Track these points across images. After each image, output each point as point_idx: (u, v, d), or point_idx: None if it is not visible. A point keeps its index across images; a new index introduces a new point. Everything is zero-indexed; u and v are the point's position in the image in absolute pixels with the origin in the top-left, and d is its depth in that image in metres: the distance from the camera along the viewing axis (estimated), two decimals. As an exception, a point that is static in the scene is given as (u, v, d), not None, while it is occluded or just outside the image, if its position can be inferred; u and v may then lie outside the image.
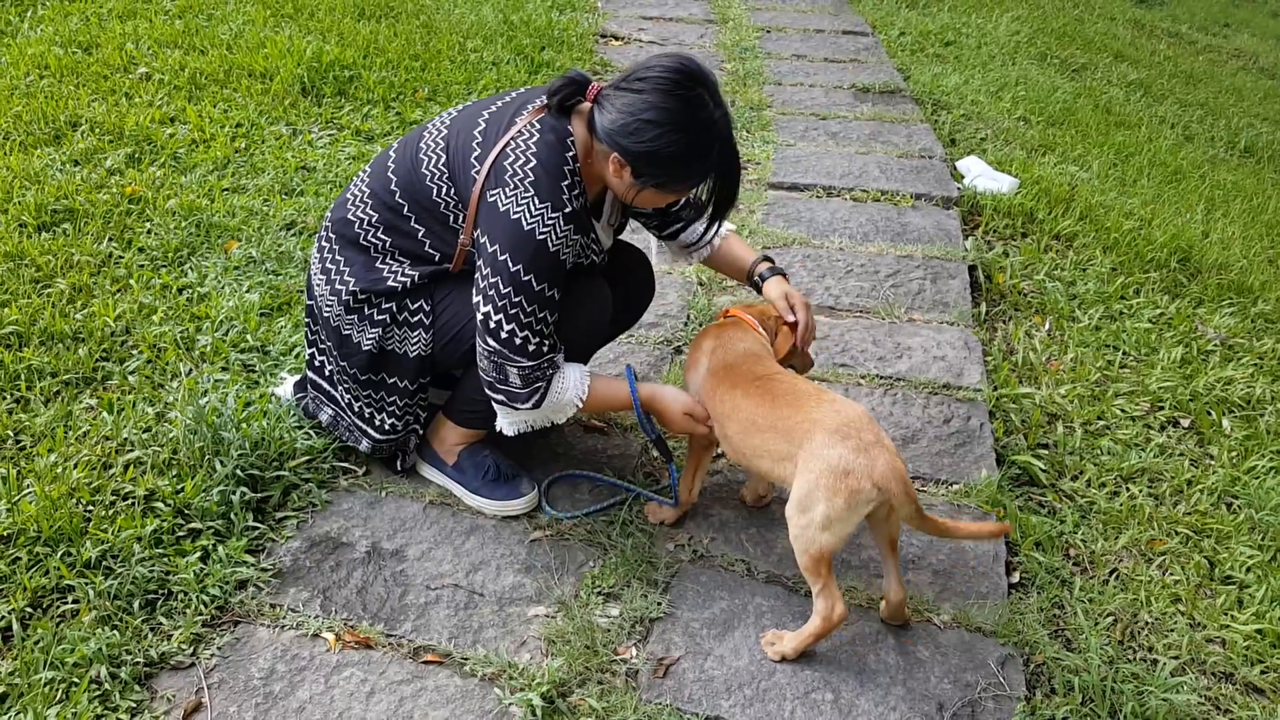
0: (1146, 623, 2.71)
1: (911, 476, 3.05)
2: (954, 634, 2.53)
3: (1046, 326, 4.05)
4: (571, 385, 2.55)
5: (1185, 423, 3.57)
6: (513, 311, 2.40)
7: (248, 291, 3.42)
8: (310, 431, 2.88)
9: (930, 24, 7.79)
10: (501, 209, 2.39)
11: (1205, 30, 11.83)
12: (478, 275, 2.45)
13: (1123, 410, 3.55)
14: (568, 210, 2.41)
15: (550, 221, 2.38)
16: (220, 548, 2.53)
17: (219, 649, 2.34)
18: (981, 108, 6.22)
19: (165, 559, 2.48)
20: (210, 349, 3.16)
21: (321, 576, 2.55)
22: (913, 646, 2.48)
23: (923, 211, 4.67)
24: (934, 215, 4.64)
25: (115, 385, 3.00)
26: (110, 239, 3.60)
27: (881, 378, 3.48)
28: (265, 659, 2.32)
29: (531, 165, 2.40)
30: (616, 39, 6.62)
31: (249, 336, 3.21)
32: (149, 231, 3.68)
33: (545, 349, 2.46)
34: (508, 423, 2.63)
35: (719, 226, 2.63)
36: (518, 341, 2.42)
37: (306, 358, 2.82)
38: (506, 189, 2.39)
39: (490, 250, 2.40)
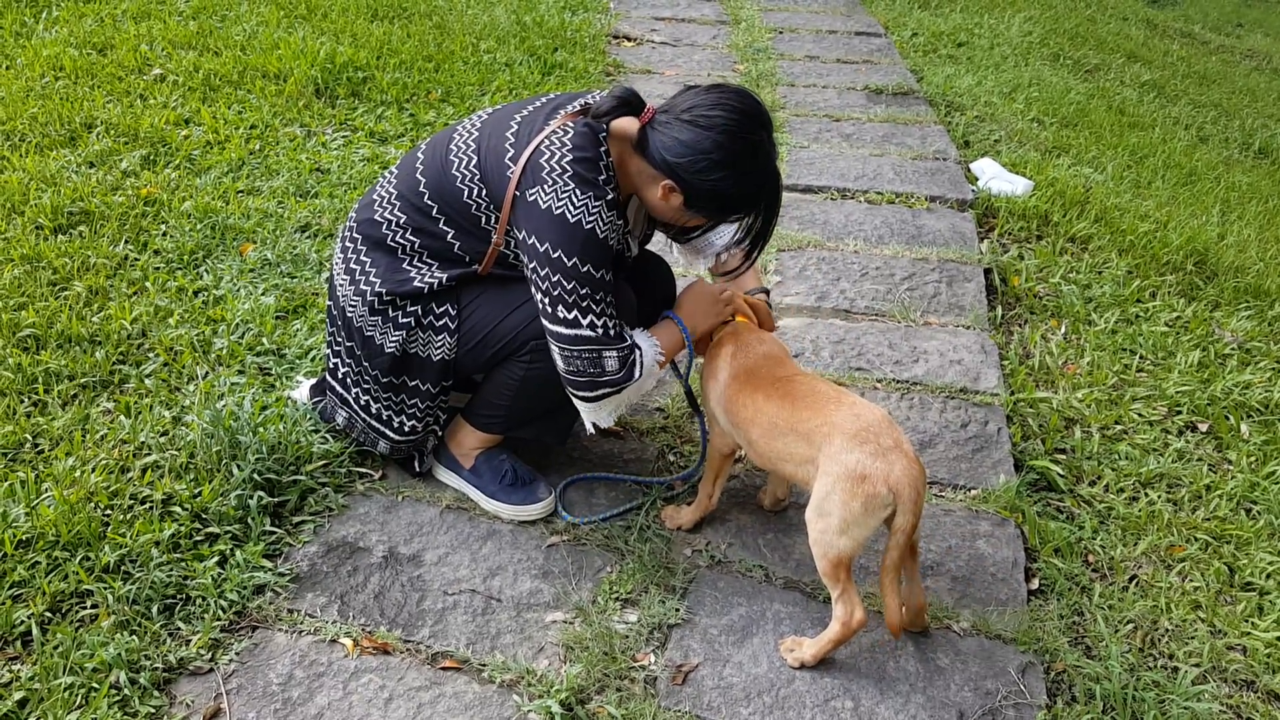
0: (1167, 630, 2.69)
1: (930, 482, 3.04)
2: (973, 641, 2.52)
3: (1063, 330, 4.03)
4: (647, 346, 2.56)
5: (1203, 427, 3.55)
6: (585, 303, 2.40)
7: (263, 294, 3.42)
8: (327, 435, 2.87)
9: (943, 25, 7.77)
10: (543, 206, 2.39)
11: (1218, 30, 11.78)
12: (534, 280, 2.43)
13: (1140, 415, 3.53)
14: (609, 198, 2.42)
15: (595, 209, 2.39)
16: (238, 552, 2.53)
17: (237, 654, 2.33)
18: (995, 109, 6.20)
19: (183, 564, 2.48)
20: (226, 352, 3.16)
21: (339, 581, 2.55)
22: (933, 653, 2.47)
23: (937, 214, 4.65)
24: (949, 218, 4.62)
25: (132, 389, 3.00)
26: (126, 241, 3.61)
27: (898, 382, 3.47)
28: (283, 665, 2.32)
29: (568, 160, 2.40)
30: (629, 40, 6.62)
31: (264, 340, 3.21)
32: (164, 234, 3.68)
33: (618, 326, 2.47)
34: (605, 414, 2.62)
35: (754, 258, 2.66)
36: (600, 329, 2.43)
37: (325, 358, 2.82)
38: (545, 185, 2.39)
39: (542, 250, 2.39)
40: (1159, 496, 3.15)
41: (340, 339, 2.70)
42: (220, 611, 2.40)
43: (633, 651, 2.42)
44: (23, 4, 5.53)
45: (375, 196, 2.65)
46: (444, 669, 2.35)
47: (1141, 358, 3.87)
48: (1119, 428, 3.47)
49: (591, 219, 2.38)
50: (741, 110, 2.38)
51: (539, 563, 2.65)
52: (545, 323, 2.45)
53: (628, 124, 2.49)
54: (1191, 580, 2.87)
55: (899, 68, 6.56)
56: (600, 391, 2.50)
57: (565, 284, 2.39)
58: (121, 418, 2.85)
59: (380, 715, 2.23)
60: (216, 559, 2.50)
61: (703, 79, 6.05)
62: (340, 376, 2.75)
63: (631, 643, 2.44)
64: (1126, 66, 8.34)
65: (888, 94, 6.07)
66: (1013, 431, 3.29)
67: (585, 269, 2.38)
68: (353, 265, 2.63)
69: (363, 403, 2.72)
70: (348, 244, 2.67)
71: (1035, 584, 2.77)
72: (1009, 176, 5.12)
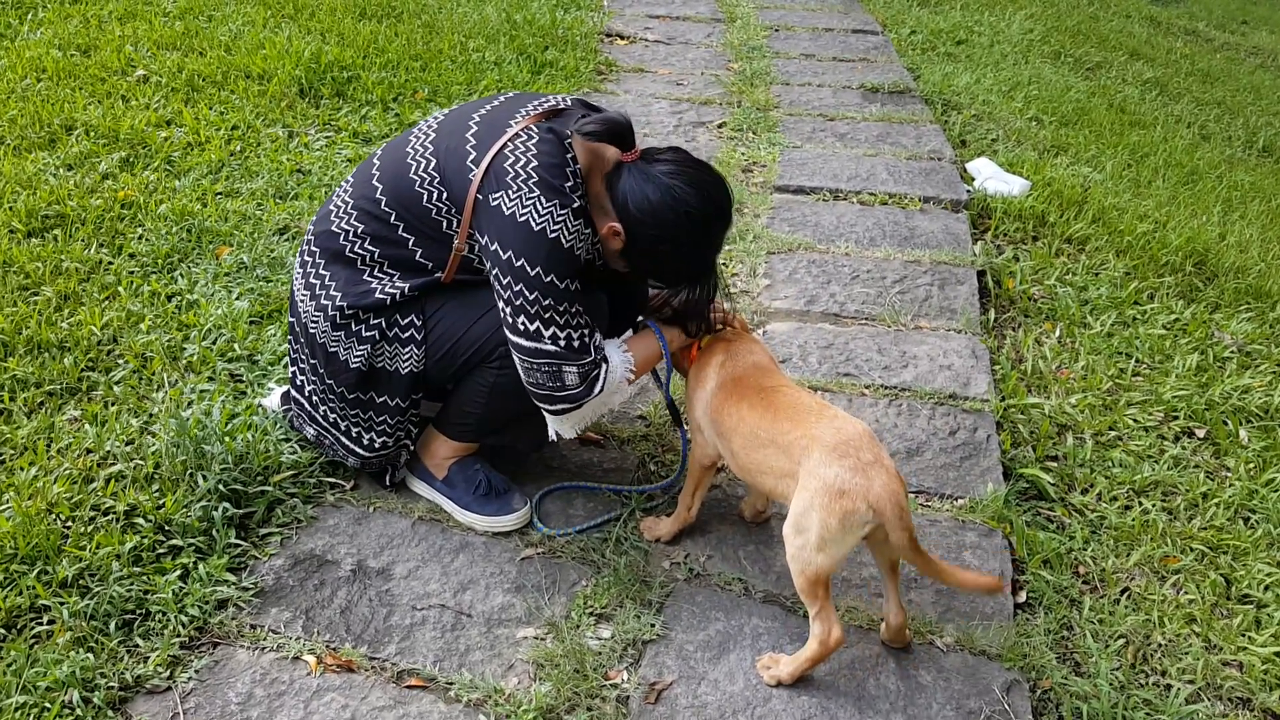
0: (1159, 645, 2.62)
1: (915, 491, 2.97)
2: (957, 657, 2.44)
3: (1057, 333, 3.95)
4: (618, 362, 2.51)
5: (1200, 433, 3.46)
6: (548, 315, 2.34)
7: (237, 298, 3.35)
8: (297, 445, 2.81)
9: (942, 22, 7.68)
10: (507, 212, 2.33)
11: (1222, 27, 11.68)
12: (497, 288, 2.38)
13: (1135, 420, 3.45)
14: (575, 205, 2.37)
15: (560, 217, 2.33)
16: (201, 566, 2.46)
17: (196, 672, 2.27)
18: (993, 108, 6.11)
19: (144, 577, 2.41)
20: (197, 358, 3.10)
21: (304, 596, 2.48)
22: (914, 670, 2.40)
23: (931, 215, 4.58)
24: (942, 219, 4.54)
25: (100, 396, 2.93)
26: (101, 245, 3.54)
27: (886, 388, 3.39)
28: (243, 683, 2.25)
29: (534, 165, 2.34)
30: (622, 38, 6.54)
31: (236, 345, 3.14)
32: (141, 237, 3.61)
33: (588, 338, 2.42)
34: (568, 426, 2.58)
35: (691, 331, 2.64)
36: (562, 343, 2.37)
37: (289, 376, 2.75)
38: (510, 191, 2.33)
39: (505, 258, 2.34)
40: (1153, 505, 3.08)
41: (304, 355, 2.63)
42: (180, 627, 2.34)
43: (605, 669, 2.35)
44: (8, 5, 5.47)
45: (332, 206, 2.58)
46: (409, 688, 2.28)
47: (1138, 361, 3.79)
48: (1113, 434, 3.40)
49: (557, 227, 2.31)
50: (713, 201, 2.42)
51: (512, 576, 2.58)
52: (507, 332, 2.38)
53: (604, 149, 2.44)
54: (1186, 593, 2.79)
55: (896, 66, 6.48)
56: (558, 405, 2.44)
57: (528, 294, 2.32)
58: (87, 426, 2.78)
59: (342, 736, 2.16)
60: (179, 573, 2.44)
61: (696, 78, 5.98)
62: (307, 394, 2.67)
63: (604, 660, 2.37)
64: (1129, 64, 8.25)
65: (883, 93, 5.99)
66: (1003, 439, 3.21)
67: (549, 279, 2.31)
68: (312, 280, 2.56)
69: (330, 420, 2.65)
70: (306, 257, 2.59)
71: (1023, 597, 2.70)
72: (1005, 176, 5.04)
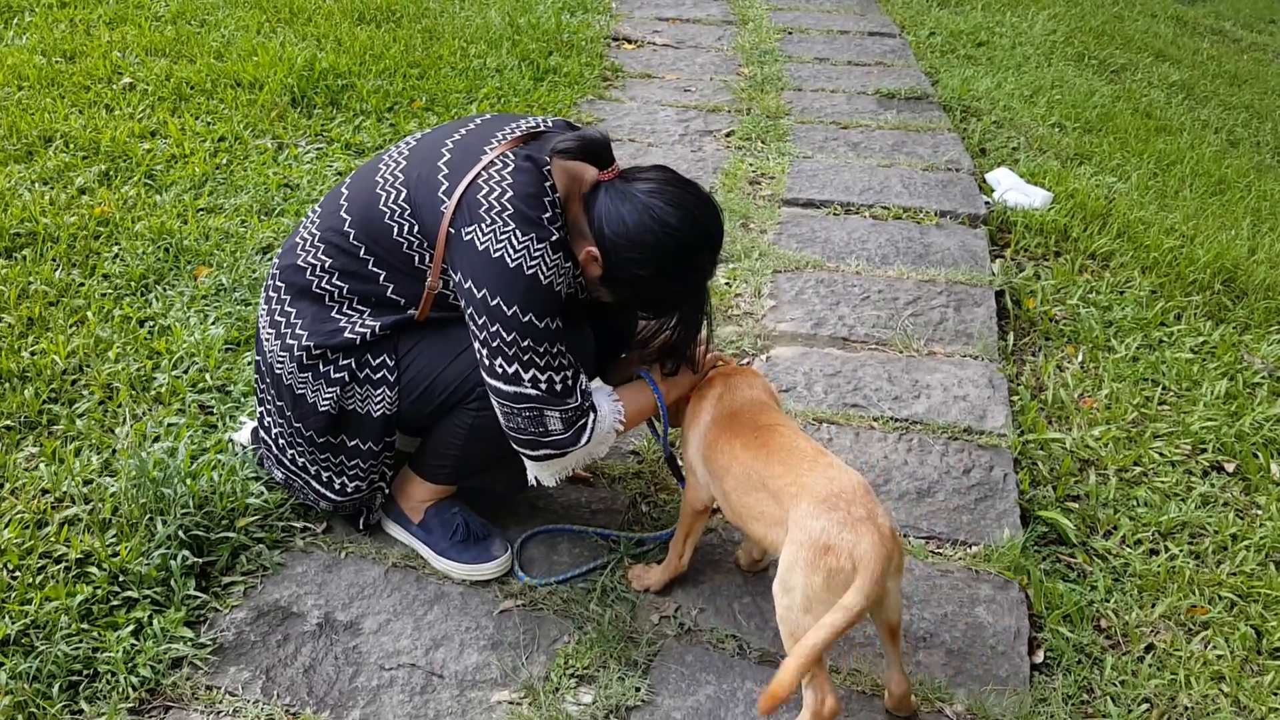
0: (1186, 708, 2.42)
1: (926, 536, 2.78)
2: (968, 727, 2.26)
3: (1080, 358, 3.75)
4: (607, 411, 2.35)
5: (1230, 468, 3.26)
6: (527, 357, 2.17)
7: (213, 324, 3.19)
8: (266, 485, 2.64)
9: (962, 23, 7.45)
10: (480, 247, 2.15)
11: (1250, 27, 11.37)
12: (473, 328, 2.21)
13: (1161, 454, 3.25)
14: (554, 239, 2.19)
15: (538, 253, 2.15)
16: (156, 620, 2.30)
17: (145, 740, 2.11)
18: (1014, 114, 5.90)
19: (95, 634, 2.25)
20: (166, 389, 2.93)
21: (267, 653, 2.32)
22: (920, 743, 2.21)
23: (947, 230, 4.37)
24: (959, 234, 4.34)
25: (61, 431, 2.78)
26: (74, 265, 3.39)
27: (897, 421, 3.20)
28: (195, 753, 2.09)
29: (508, 196, 2.17)
30: (630, 42, 6.35)
31: (208, 375, 2.98)
32: (116, 256, 3.46)
33: (572, 381, 2.24)
34: (548, 474, 2.41)
35: (672, 363, 2.46)
36: (544, 386, 2.19)
37: (257, 415, 2.58)
38: (483, 224, 2.16)
39: (479, 296, 2.16)
40: (1180, 550, 2.88)
41: (270, 396, 2.46)
42: (130, 689, 2.18)
43: (585, 739, 2.17)
44: (-3, 10, 5.33)
45: (298, 239, 2.41)
46: (373, 758, 2.12)
47: (1164, 389, 3.59)
48: (1138, 469, 3.20)
49: (535, 263, 2.13)
50: (698, 223, 2.22)
51: (489, 632, 2.41)
52: (484, 374, 2.21)
53: (583, 169, 2.25)
54: (1214, 647, 2.60)
55: (913, 70, 6.27)
56: (543, 452, 2.27)
57: (505, 335, 2.14)
58: (42, 465, 2.63)
59: (296, 815, 2.00)
60: (132, 628, 2.27)
61: (705, 84, 5.79)
62: (274, 436, 2.50)
63: (584, 728, 2.19)
64: (1154, 66, 8.00)
65: (900, 99, 5.78)
66: (1021, 477, 3.02)
67: (527, 319, 2.13)
68: (277, 317, 2.39)
69: (299, 464, 2.48)
70: (271, 293, 2.42)
71: (1040, 656, 2.51)
72: (1026, 188, 4.83)
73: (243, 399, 2.94)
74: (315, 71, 4.77)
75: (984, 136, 5.50)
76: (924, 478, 2.97)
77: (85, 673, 2.20)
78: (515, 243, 2.13)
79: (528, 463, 2.35)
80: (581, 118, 5.04)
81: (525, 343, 2.14)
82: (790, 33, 6.88)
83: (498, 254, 2.13)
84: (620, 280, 2.25)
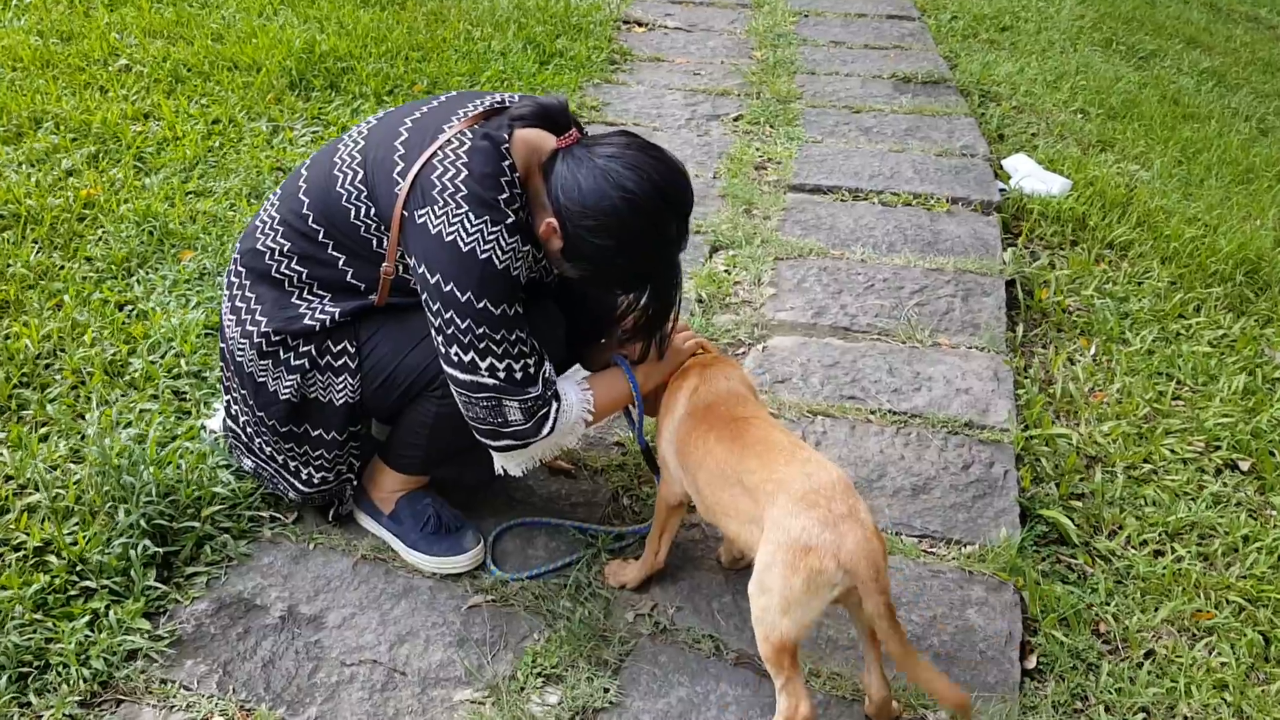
0: (1185, 718, 2.30)
1: (919, 535, 2.67)
2: (951, 736, 2.15)
3: (1092, 350, 3.61)
4: (575, 400, 2.25)
5: (1245, 466, 3.13)
6: (483, 345, 2.08)
7: (194, 308, 3.12)
8: (235, 474, 2.57)
9: (985, 7, 7.28)
10: (433, 231, 2.06)
11: (1289, 13, 11.07)
12: (429, 315, 2.12)
13: (1173, 451, 3.12)
14: (510, 221, 2.08)
15: (492, 236, 2.05)
16: (113, 611, 2.23)
17: (94, 735, 2.04)
18: (1035, 99, 5.74)
19: (49, 624, 2.19)
20: (141, 374, 2.87)
21: (226, 647, 2.24)
22: (900, 752, 2.11)
23: (959, 217, 4.24)
24: (971, 222, 4.20)
25: (31, 416, 2.72)
26: (56, 247, 3.33)
27: (895, 414, 3.08)
28: (143, 750, 2.02)
29: (462, 178, 2.07)
30: (640, 25, 6.24)
31: (184, 361, 2.91)
32: (100, 239, 3.40)
33: (533, 369, 2.15)
34: (514, 464, 2.32)
35: (650, 348, 2.33)
36: (502, 375, 2.10)
37: (224, 404, 2.51)
38: (436, 206, 2.06)
39: (433, 281, 2.07)
40: (1188, 551, 2.76)
41: (234, 384, 2.38)
42: (82, 682, 2.11)
43: (548, 741, 2.09)
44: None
45: (258, 223, 2.33)
46: (327, 758, 2.04)
47: (1179, 383, 3.45)
48: (1147, 467, 3.07)
49: (488, 247, 2.04)
50: (658, 186, 2.07)
51: (456, 628, 2.32)
52: (442, 363, 2.12)
53: (543, 138, 2.15)
54: (1219, 654, 2.47)
55: (931, 54, 6.12)
56: (504, 442, 2.18)
57: (459, 322, 2.05)
58: (4, 451, 2.56)
59: (243, 816, 1.93)
60: (87, 619, 2.21)
61: (716, 67, 5.67)
62: (241, 424, 2.43)
63: (549, 730, 2.11)
64: (1185, 53, 7.78)
65: (916, 83, 5.64)
66: (1022, 474, 2.90)
67: (482, 305, 2.04)
68: (238, 303, 2.31)
69: (266, 453, 2.40)
70: (233, 278, 2.35)
71: (1033, 662, 2.40)
72: (1044, 175, 4.69)
73: (219, 385, 2.86)
74: (315, 54, 4.69)
75: (1002, 122, 5.35)
76: (920, 473, 2.85)
77: (36, 664, 2.13)
78: (468, 226, 2.03)
79: (493, 453, 2.26)
80: (586, 102, 4.95)
81: (481, 330, 2.05)
82: (806, 16, 6.73)
83: (450, 238, 2.03)
84: (581, 253, 2.12)
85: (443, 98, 2.29)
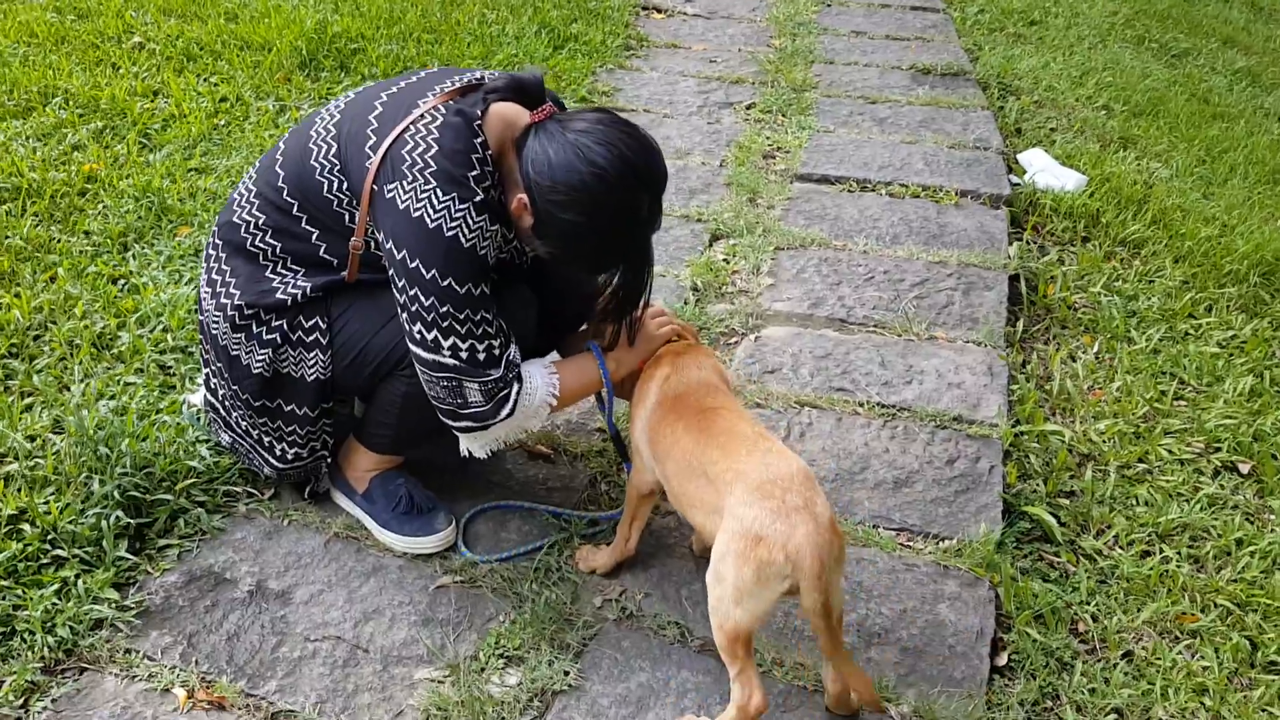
0: (1160, 721, 2.26)
1: (898, 528, 2.64)
2: (912, 731, 2.12)
3: (1095, 348, 3.55)
4: (540, 383, 2.23)
5: (1245, 469, 3.06)
6: (446, 324, 2.07)
7: (186, 283, 3.14)
8: (213, 449, 2.58)
9: (1015, 1, 7.17)
10: (401, 206, 2.06)
11: (1332, 12, 10.83)
12: (395, 291, 2.12)
13: (1170, 452, 3.06)
14: (478, 199, 2.07)
15: (459, 214, 2.05)
16: (82, 580, 2.25)
17: (54, 701, 2.06)
18: (1057, 94, 5.65)
19: (17, 592, 2.21)
20: (129, 348, 2.89)
21: (193, 619, 2.26)
22: (858, 746, 2.08)
23: (966, 211, 4.18)
24: (978, 215, 4.15)
25: (17, 386, 2.74)
26: (56, 221, 3.37)
27: (884, 406, 3.05)
28: (101, 717, 2.04)
29: (432, 153, 2.06)
30: (659, 11, 6.21)
31: (171, 335, 2.93)
32: (100, 214, 3.43)
33: (498, 351, 2.14)
34: (478, 445, 2.32)
35: (619, 327, 2.30)
36: (464, 355, 2.10)
37: (202, 379, 2.52)
38: (405, 181, 2.06)
39: (399, 257, 2.07)
40: (1177, 552, 2.70)
41: (211, 358, 2.40)
42: (46, 649, 2.13)
43: (504, 723, 2.08)
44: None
45: (236, 195, 2.34)
46: (282, 732, 2.05)
47: (1182, 383, 3.39)
48: (1142, 466, 3.02)
49: (455, 224, 2.03)
50: (630, 163, 2.03)
51: (422, 608, 2.32)
52: (407, 340, 2.11)
53: (518, 114, 2.13)
54: (1201, 658, 2.43)
55: (953, 46, 6.04)
56: (463, 423, 2.17)
57: (423, 299, 2.04)
58: (-12, 419, 2.60)
59: (195, 786, 1.94)
60: (56, 587, 2.23)
61: (733, 55, 5.63)
62: (220, 398, 2.44)
63: (505, 711, 2.10)
64: (1220, 52, 7.63)
65: (935, 75, 5.57)
66: (1008, 470, 2.85)
67: (447, 283, 2.03)
68: (214, 275, 2.32)
69: (242, 428, 2.42)
70: (210, 251, 2.36)
71: (1004, 659, 2.36)
72: (1059, 170, 4.61)
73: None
74: (326, 34, 4.71)
75: (1021, 116, 5.28)
76: (903, 467, 2.82)
77: (2, 630, 2.15)
78: (435, 202, 2.03)
79: (456, 433, 2.26)
80: (597, 88, 4.93)
81: (445, 308, 2.04)
82: (829, 4, 6.67)
83: (418, 214, 2.03)
84: (551, 230, 2.10)
85: (422, 73, 2.29)
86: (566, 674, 2.18)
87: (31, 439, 2.55)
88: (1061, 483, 2.90)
